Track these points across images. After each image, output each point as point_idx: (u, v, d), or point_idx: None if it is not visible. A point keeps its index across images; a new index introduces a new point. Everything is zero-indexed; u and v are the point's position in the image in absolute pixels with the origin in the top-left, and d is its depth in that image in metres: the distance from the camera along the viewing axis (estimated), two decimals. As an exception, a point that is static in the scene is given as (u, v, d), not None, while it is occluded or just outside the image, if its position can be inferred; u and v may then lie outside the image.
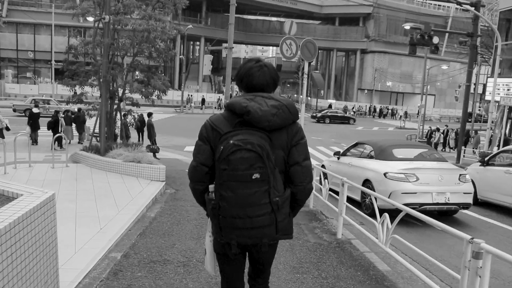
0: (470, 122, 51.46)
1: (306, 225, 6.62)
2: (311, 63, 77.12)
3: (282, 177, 2.23)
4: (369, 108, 56.13)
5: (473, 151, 20.17)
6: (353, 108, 53.04)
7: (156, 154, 13.26)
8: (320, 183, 10.70)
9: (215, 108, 44.38)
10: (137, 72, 11.99)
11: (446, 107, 61.10)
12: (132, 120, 13.19)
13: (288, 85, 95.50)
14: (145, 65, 11.67)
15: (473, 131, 23.27)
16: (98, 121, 11.33)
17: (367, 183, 8.25)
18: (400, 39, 57.97)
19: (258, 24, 63.33)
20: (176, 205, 7.73)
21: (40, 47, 47.48)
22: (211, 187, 2.22)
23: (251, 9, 62.31)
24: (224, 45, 30.07)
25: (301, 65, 63.57)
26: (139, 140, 18.84)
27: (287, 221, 2.24)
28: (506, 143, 19.21)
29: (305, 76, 9.30)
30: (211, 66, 14.75)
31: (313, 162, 18.81)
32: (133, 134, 16.81)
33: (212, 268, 2.52)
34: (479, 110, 42.90)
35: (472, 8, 18.59)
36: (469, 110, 62.28)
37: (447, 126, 26.84)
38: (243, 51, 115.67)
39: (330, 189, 7.66)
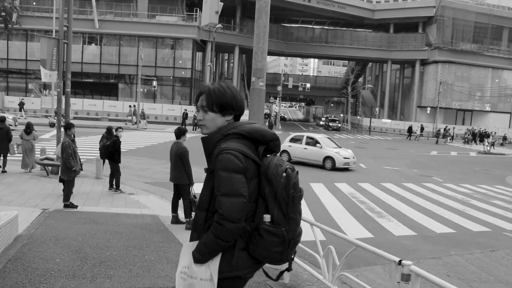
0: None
1: None
2: (359, 79, 68.54)
3: None
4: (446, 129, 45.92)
5: None
6: (421, 129, 43.54)
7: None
8: None
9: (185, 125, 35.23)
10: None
11: (526, 127, 50.89)
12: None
13: (332, 105, 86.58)
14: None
15: None
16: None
17: None
18: (468, 47, 48.85)
19: (301, 32, 55.88)
20: None
21: None
22: (267, 217, 2.13)
23: (292, 16, 55.35)
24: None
25: (349, 79, 55.55)
26: (114, 179, 9.95)
27: None
28: None
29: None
30: (222, 4, 7.13)
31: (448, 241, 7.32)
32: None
33: None
34: None
35: None
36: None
37: None
38: (282, 64, 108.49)
39: None
